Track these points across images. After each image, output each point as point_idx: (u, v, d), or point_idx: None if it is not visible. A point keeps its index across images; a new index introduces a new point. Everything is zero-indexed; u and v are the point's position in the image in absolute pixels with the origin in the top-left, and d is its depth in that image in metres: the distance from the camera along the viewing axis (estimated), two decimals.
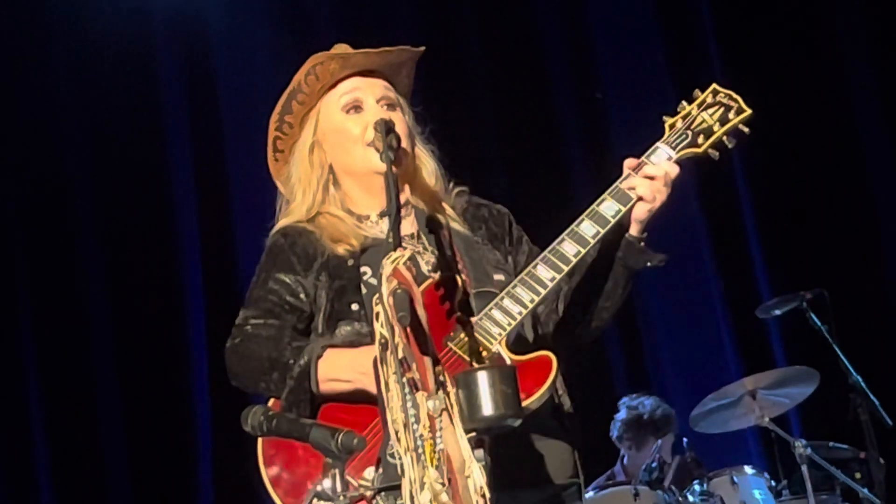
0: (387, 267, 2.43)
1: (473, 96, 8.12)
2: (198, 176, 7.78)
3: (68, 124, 7.66)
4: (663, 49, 8.53)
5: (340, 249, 3.11)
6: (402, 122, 3.19)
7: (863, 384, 6.24)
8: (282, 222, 3.25)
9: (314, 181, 3.24)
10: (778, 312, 6.86)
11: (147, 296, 7.44)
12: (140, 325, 7.42)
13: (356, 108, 3.21)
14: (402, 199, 3.19)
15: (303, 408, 2.91)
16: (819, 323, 6.48)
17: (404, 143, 3.11)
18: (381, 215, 2.69)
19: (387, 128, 2.97)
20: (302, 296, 3.11)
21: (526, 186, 7.71)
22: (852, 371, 6.27)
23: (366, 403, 2.86)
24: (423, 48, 3.33)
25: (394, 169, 2.86)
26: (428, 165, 3.28)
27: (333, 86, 3.25)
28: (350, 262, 3.07)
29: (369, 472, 2.56)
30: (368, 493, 2.48)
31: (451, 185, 3.34)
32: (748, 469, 6.50)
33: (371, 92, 3.22)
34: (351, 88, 3.24)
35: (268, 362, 2.99)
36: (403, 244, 3.07)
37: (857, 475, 6.50)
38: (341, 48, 3.28)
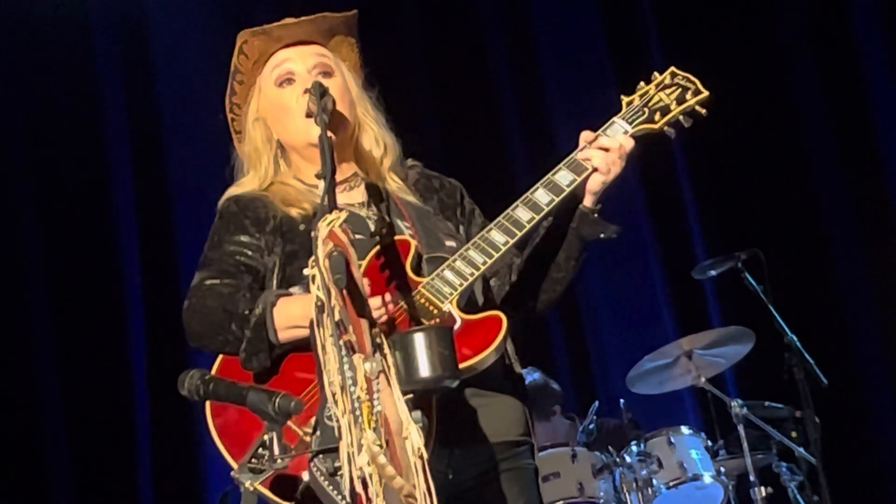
0: (322, 229, 2.41)
1: (411, 69, 8.08)
2: (135, 159, 7.74)
3: (4, 111, 7.58)
4: (600, 19, 8.56)
5: (293, 212, 3.10)
6: (340, 88, 3.17)
7: (798, 344, 6.30)
8: (231, 191, 3.22)
9: (264, 156, 3.23)
10: (714, 273, 6.91)
11: (84, 272, 7.40)
12: (76, 296, 7.38)
13: (288, 80, 3.20)
14: (350, 170, 3.20)
15: (262, 359, 2.86)
16: (755, 283, 6.54)
17: (343, 108, 3.11)
18: (318, 177, 2.66)
19: (321, 90, 2.96)
20: (257, 255, 3.08)
21: (464, 162, 7.70)
22: (787, 331, 6.32)
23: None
24: (352, 12, 3.30)
25: (329, 133, 2.83)
26: (373, 134, 3.25)
27: (268, 60, 3.24)
28: (302, 227, 3.05)
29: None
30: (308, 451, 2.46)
31: (405, 159, 3.33)
32: (685, 429, 6.53)
33: (302, 61, 3.21)
34: (281, 60, 3.22)
35: (225, 314, 2.93)
36: (353, 210, 3.08)
37: (793, 434, 6.57)
38: (287, 22, 3.24)
